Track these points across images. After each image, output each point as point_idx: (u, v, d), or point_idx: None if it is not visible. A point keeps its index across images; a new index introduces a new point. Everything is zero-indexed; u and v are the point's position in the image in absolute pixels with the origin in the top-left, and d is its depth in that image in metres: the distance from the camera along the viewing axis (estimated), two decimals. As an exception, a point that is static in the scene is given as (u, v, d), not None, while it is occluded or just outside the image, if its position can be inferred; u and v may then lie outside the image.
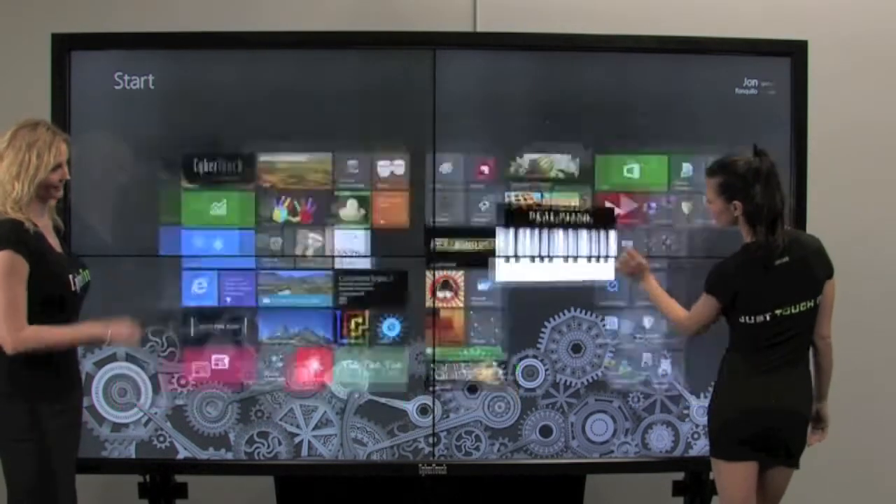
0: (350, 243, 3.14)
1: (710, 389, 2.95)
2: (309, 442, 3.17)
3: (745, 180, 2.74)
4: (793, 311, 2.76)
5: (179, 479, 3.27)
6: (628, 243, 3.15)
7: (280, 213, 3.14)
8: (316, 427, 3.16)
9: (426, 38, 3.20)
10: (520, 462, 3.22)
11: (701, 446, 3.20)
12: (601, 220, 3.17)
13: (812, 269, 2.80)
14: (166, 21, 3.54)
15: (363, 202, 3.15)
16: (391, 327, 3.16)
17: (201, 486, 3.34)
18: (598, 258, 3.17)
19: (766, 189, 2.73)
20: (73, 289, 2.69)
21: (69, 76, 3.10)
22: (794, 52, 3.20)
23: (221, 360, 3.15)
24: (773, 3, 3.78)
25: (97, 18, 3.54)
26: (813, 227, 3.15)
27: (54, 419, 2.66)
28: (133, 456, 3.16)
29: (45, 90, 3.11)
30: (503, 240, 3.16)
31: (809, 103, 3.20)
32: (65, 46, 3.11)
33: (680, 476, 3.33)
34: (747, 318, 2.76)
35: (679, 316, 2.91)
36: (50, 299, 2.63)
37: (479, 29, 3.72)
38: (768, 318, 2.75)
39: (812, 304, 2.79)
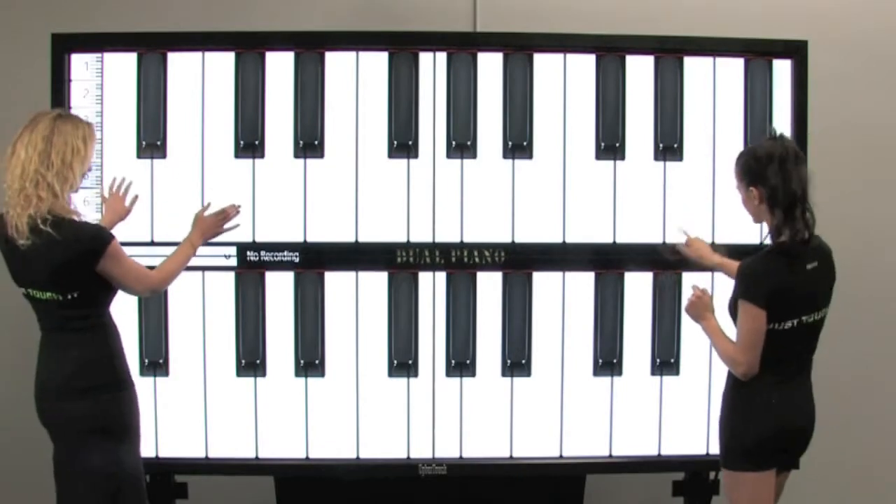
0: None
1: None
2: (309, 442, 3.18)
3: (760, 162, 2.64)
4: (815, 317, 2.69)
5: (179, 479, 3.28)
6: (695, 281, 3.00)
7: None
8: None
9: (426, 38, 3.21)
10: (520, 462, 3.22)
11: (698, 446, 3.22)
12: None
13: (830, 278, 2.75)
14: (165, 21, 3.54)
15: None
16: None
17: (201, 486, 3.34)
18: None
19: (780, 170, 2.62)
20: None
21: (69, 76, 3.10)
22: (794, 53, 3.20)
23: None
24: (774, 3, 3.78)
25: (97, 18, 3.54)
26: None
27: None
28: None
29: (46, 90, 3.11)
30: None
31: (809, 103, 3.20)
32: (65, 46, 3.11)
33: (680, 476, 3.33)
34: (776, 324, 2.64)
35: (729, 352, 2.69)
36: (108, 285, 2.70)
37: (479, 29, 3.72)
38: (795, 324, 2.65)
39: (826, 311, 2.74)
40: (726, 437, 2.76)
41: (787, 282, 2.63)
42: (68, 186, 2.60)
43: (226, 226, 2.99)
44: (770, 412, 2.68)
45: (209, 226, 2.96)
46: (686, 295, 2.92)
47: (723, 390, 2.80)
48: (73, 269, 2.59)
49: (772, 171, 2.62)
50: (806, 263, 2.66)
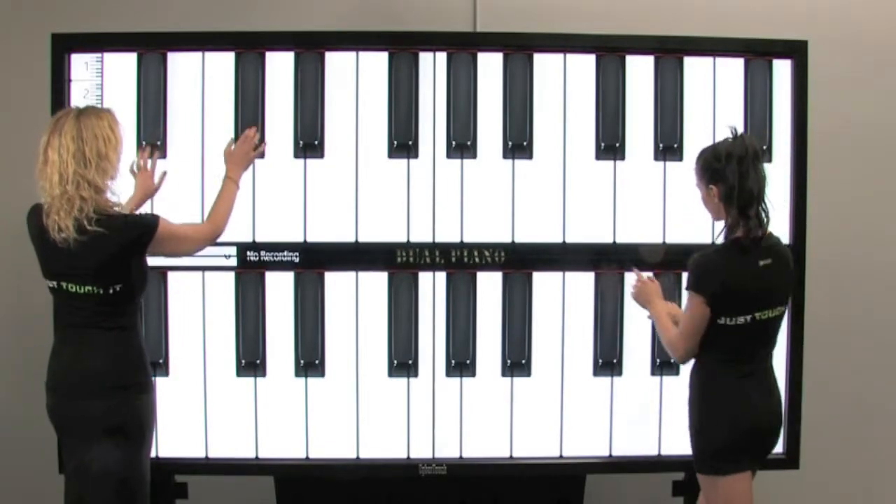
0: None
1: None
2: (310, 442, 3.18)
3: (720, 161, 2.66)
4: (770, 314, 2.70)
5: (179, 479, 3.27)
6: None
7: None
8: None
9: (426, 38, 3.20)
10: (520, 462, 3.22)
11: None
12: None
13: (785, 276, 2.77)
14: (165, 21, 3.54)
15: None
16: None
17: (201, 486, 3.34)
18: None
19: (739, 169, 2.64)
20: None
21: (69, 76, 3.10)
22: (794, 53, 3.20)
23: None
24: (774, 3, 3.78)
25: (97, 19, 3.54)
26: (813, 227, 3.16)
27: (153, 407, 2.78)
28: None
29: (46, 90, 3.10)
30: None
31: (809, 103, 3.20)
32: (65, 46, 3.11)
33: (680, 476, 3.33)
34: (727, 318, 2.66)
35: (671, 336, 2.76)
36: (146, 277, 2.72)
37: (479, 29, 3.72)
38: (748, 319, 2.67)
39: (783, 310, 2.75)
40: (694, 442, 2.79)
41: (736, 277, 2.65)
42: (109, 177, 2.62)
43: (254, 152, 3.02)
44: (732, 412, 2.70)
45: (241, 155, 2.98)
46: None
47: (688, 397, 2.82)
48: (121, 260, 2.60)
49: (730, 170, 2.65)
50: (758, 260, 2.68)
